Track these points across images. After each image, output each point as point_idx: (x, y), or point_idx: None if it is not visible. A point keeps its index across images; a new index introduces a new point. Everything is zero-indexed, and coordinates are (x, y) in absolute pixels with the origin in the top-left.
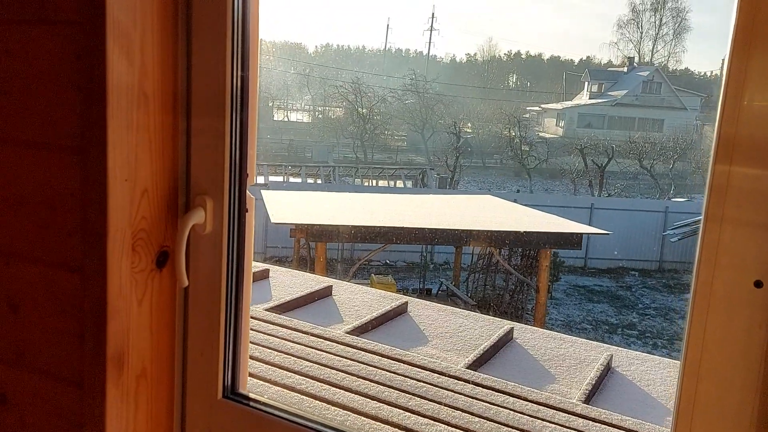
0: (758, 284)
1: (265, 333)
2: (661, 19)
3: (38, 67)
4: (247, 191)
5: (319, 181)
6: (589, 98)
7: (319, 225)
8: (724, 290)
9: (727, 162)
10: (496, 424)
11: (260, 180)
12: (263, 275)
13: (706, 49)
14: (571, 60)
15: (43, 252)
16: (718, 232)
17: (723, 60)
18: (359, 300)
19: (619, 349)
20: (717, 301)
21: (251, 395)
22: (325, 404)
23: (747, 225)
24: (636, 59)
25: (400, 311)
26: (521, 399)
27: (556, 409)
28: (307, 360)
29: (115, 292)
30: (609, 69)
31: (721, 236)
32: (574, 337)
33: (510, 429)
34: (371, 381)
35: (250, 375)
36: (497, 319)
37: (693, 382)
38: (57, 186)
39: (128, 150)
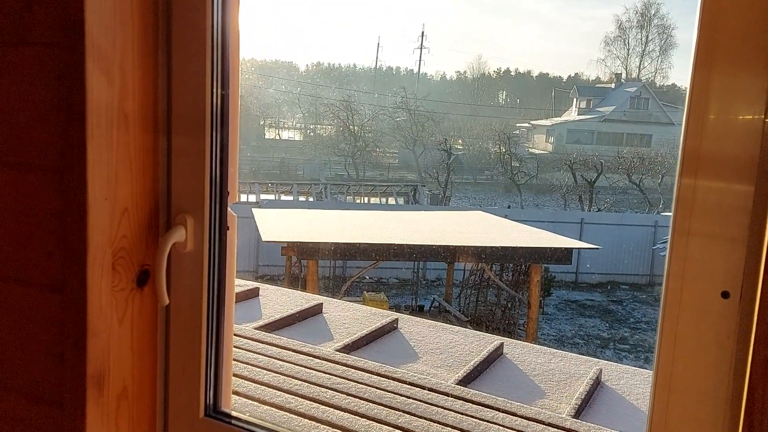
0: (725, 295)
1: (254, 352)
2: (647, 36)
3: (18, 87)
4: (229, 209)
5: (310, 199)
6: (578, 114)
7: (311, 243)
8: (693, 302)
9: (692, 176)
10: None
11: (252, 198)
12: (253, 294)
13: None
14: (560, 77)
15: (23, 272)
16: (685, 245)
17: None
18: (350, 317)
19: (609, 363)
20: (686, 313)
21: (234, 413)
22: (315, 423)
23: (713, 237)
24: (623, 75)
25: (391, 328)
26: (511, 414)
27: (546, 424)
28: (296, 378)
29: (95, 311)
30: (597, 85)
31: (689, 249)
32: (564, 352)
33: None
34: (361, 398)
35: (239, 394)
36: (487, 334)
37: (665, 394)
38: (37, 205)
39: (108, 169)
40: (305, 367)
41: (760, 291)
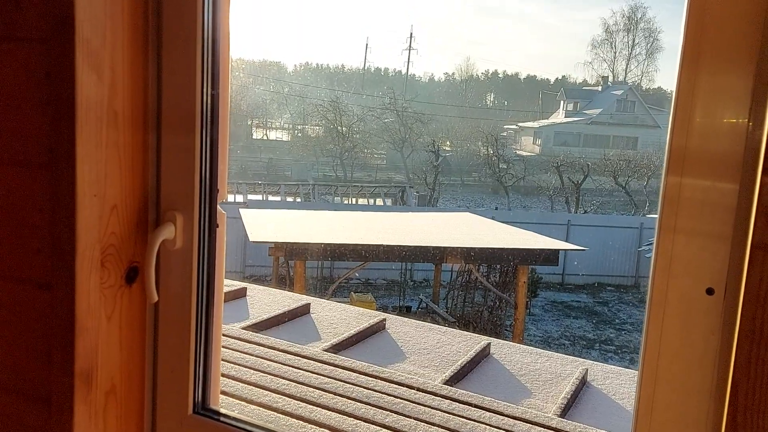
0: (710, 291)
1: (241, 352)
2: (633, 40)
3: (7, 83)
4: (218, 207)
5: (298, 200)
6: (565, 117)
7: (298, 243)
8: (678, 298)
9: (678, 174)
10: None
11: (239, 198)
12: (240, 294)
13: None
14: (547, 79)
15: (11, 268)
16: (671, 242)
17: None
18: (337, 317)
19: (595, 363)
20: (672, 309)
21: (222, 410)
22: (302, 422)
23: (698, 234)
24: (610, 78)
25: (379, 328)
26: (497, 414)
27: (532, 424)
28: (283, 378)
29: (83, 308)
30: (584, 88)
31: (675, 246)
32: (550, 352)
33: None
34: (348, 398)
35: (227, 394)
36: (475, 334)
37: (650, 388)
38: (25, 202)
39: (97, 166)
40: (293, 366)
41: (744, 287)
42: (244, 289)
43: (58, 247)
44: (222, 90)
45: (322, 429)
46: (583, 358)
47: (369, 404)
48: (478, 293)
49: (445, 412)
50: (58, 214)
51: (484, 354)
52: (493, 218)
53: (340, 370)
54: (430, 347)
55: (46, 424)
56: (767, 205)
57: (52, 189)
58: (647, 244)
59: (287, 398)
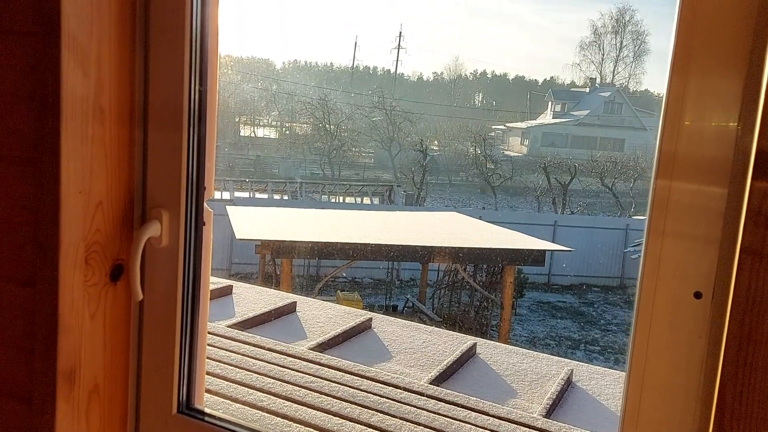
0: (698, 295)
1: (227, 350)
2: (621, 42)
3: None
4: (205, 204)
5: (285, 198)
6: (553, 117)
7: (285, 241)
8: (666, 301)
9: (667, 177)
10: None
11: (226, 196)
12: (226, 291)
13: (665, 70)
14: (536, 80)
15: None
16: (659, 245)
17: None
18: (323, 316)
19: (580, 363)
20: (659, 312)
21: (206, 410)
22: (287, 421)
23: (686, 238)
24: (598, 80)
25: (365, 327)
26: (483, 414)
27: (517, 424)
28: (269, 376)
29: (66, 306)
30: (572, 89)
31: (663, 249)
32: (536, 352)
33: None
34: (334, 397)
35: (211, 392)
36: (461, 334)
37: (637, 391)
38: (8, 198)
39: (83, 162)
40: (278, 365)
41: (732, 292)
42: (230, 287)
43: (41, 244)
44: (210, 86)
45: (307, 428)
46: (569, 358)
47: (354, 403)
48: (464, 293)
49: (430, 411)
50: (42, 211)
51: (470, 354)
52: (480, 218)
53: (326, 369)
54: (416, 347)
55: (28, 424)
56: (756, 209)
57: (36, 185)
58: (633, 246)
59: (272, 397)
